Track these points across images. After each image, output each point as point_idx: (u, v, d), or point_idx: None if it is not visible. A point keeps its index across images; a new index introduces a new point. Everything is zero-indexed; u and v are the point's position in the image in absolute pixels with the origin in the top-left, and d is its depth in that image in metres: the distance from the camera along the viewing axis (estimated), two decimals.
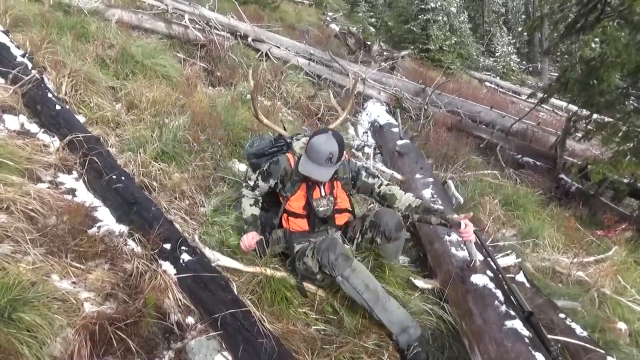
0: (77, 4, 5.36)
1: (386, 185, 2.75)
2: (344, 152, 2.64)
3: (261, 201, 2.94)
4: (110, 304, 2.20)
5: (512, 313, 2.28)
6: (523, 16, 31.78)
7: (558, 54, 20.16)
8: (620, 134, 4.96)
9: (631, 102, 5.82)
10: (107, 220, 2.76)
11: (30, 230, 2.37)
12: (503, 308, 2.31)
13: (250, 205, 2.87)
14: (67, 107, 3.64)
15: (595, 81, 5.04)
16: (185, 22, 6.39)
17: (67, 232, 2.50)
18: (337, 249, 2.44)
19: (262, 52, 7.01)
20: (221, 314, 2.18)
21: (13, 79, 3.62)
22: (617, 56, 4.40)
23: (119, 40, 4.96)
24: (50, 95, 3.59)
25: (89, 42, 4.79)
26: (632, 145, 4.87)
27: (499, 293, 2.41)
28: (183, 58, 5.80)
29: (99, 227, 2.66)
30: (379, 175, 2.84)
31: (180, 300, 2.32)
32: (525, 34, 26.68)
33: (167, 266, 2.43)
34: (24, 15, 4.69)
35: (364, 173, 2.79)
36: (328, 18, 17.22)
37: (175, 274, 2.39)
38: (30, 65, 3.82)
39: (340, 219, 2.87)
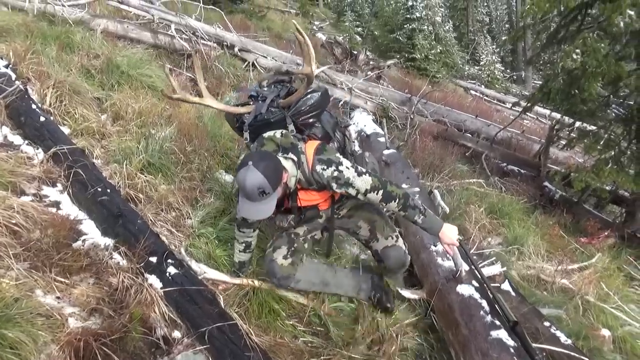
0: (62, 14, 5.33)
1: (364, 195, 2.35)
2: (282, 173, 2.21)
3: (253, 243, 2.78)
4: (95, 319, 2.18)
5: (498, 323, 2.30)
6: (507, 25, 32.34)
7: (541, 62, 20.48)
8: (602, 142, 5.06)
9: (613, 109, 5.94)
10: (92, 233, 2.73)
11: (13, 245, 2.34)
12: (488, 318, 2.33)
13: (240, 252, 2.74)
14: (52, 118, 3.61)
15: (576, 91, 5.14)
16: (172, 32, 6.39)
17: (52, 246, 2.47)
18: (275, 273, 2.53)
19: (249, 62, 7.03)
20: (208, 327, 2.17)
21: None
22: (598, 66, 4.49)
23: (104, 50, 4.93)
24: (34, 106, 3.56)
25: (74, 53, 4.76)
26: (613, 153, 4.97)
27: (484, 303, 2.43)
28: (169, 68, 5.78)
29: (83, 241, 2.64)
30: (363, 173, 2.34)
31: (167, 314, 2.30)
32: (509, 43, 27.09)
33: (153, 280, 2.42)
34: (7, 25, 4.65)
35: (334, 185, 2.31)
36: (315, 27, 17.33)
37: (161, 288, 2.38)
38: (13, 76, 3.79)
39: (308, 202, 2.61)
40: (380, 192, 2.33)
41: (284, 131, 2.46)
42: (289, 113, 2.53)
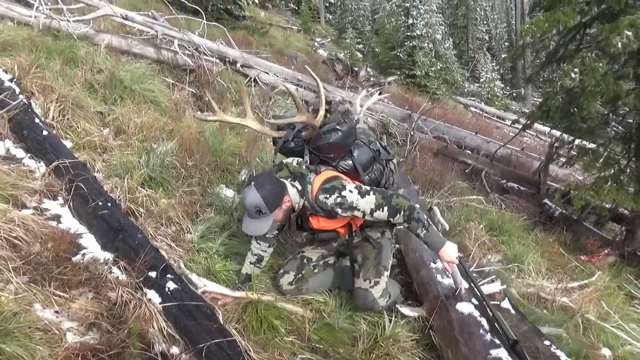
0: (67, 28, 5.39)
1: (371, 215, 2.45)
2: (283, 197, 2.44)
3: (265, 259, 2.93)
4: (93, 334, 2.17)
5: (497, 341, 2.29)
6: (506, 43, 32.66)
7: (540, 80, 20.64)
8: (601, 160, 5.09)
9: (612, 127, 5.98)
10: (92, 247, 2.73)
11: (13, 258, 2.34)
12: (488, 336, 2.32)
13: (250, 263, 2.89)
14: (54, 132, 3.63)
15: (576, 109, 5.19)
16: (175, 47, 6.45)
17: (51, 260, 2.46)
18: (283, 292, 2.87)
19: (251, 78, 7.10)
20: (206, 343, 2.16)
21: (0, 103, 3.61)
22: (596, 85, 4.54)
23: (108, 65, 4.98)
24: (37, 120, 3.58)
25: (77, 67, 4.81)
26: (612, 171, 5.00)
27: (484, 321, 2.43)
28: (172, 83, 5.84)
29: (83, 255, 2.63)
30: (366, 193, 2.43)
31: (165, 330, 2.28)
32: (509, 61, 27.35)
33: (152, 295, 2.41)
34: (12, 39, 4.69)
35: (339, 210, 2.43)
36: (316, 44, 17.50)
37: (160, 303, 2.37)
38: (17, 90, 3.82)
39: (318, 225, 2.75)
40: (386, 208, 2.41)
41: (300, 160, 2.64)
42: (309, 146, 2.73)
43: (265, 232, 2.51)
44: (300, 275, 2.89)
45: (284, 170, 2.61)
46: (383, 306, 2.79)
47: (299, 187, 2.52)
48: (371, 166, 2.83)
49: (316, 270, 2.96)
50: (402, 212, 2.41)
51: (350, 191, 2.41)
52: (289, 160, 2.63)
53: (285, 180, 2.53)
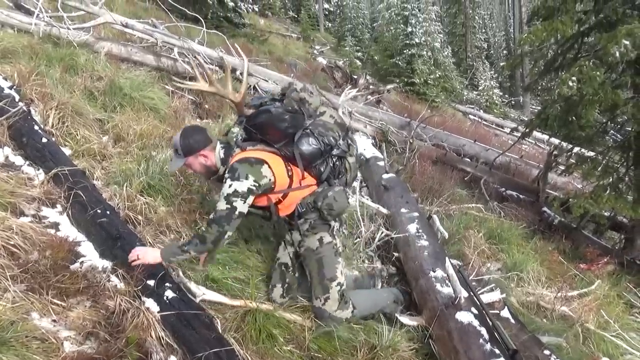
0: (67, 36, 5.40)
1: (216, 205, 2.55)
2: (201, 148, 2.60)
3: None
4: (91, 343, 2.16)
5: (497, 351, 2.28)
6: (505, 51, 32.86)
7: (539, 89, 20.74)
8: (600, 168, 5.10)
9: (610, 136, 6.01)
10: (90, 255, 2.71)
11: (11, 267, 2.32)
12: (488, 346, 2.31)
13: None
14: (54, 139, 3.63)
15: (574, 117, 5.21)
16: (175, 55, 6.47)
17: (49, 268, 2.45)
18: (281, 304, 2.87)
19: (251, 86, 7.11)
20: (204, 353, 2.14)
21: None
22: (594, 94, 4.56)
23: (107, 72, 4.99)
24: (36, 127, 3.58)
25: (77, 75, 4.82)
26: (611, 179, 5.01)
27: (483, 331, 2.42)
28: (171, 90, 5.85)
29: (81, 263, 2.62)
30: (230, 203, 2.44)
31: (163, 339, 2.27)
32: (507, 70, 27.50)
33: (150, 303, 2.39)
34: (12, 47, 4.70)
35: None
36: (315, 51, 17.57)
37: (158, 312, 2.35)
38: (17, 98, 3.82)
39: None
40: (215, 225, 2.44)
41: (237, 131, 2.71)
42: (247, 123, 2.73)
43: (173, 170, 2.83)
44: (286, 285, 2.87)
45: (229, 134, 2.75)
46: (347, 317, 2.76)
47: (222, 155, 2.65)
48: (318, 159, 2.72)
49: (297, 274, 2.92)
50: (207, 234, 2.44)
51: (235, 189, 2.42)
52: (234, 129, 2.72)
53: (217, 141, 2.70)
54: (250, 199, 2.48)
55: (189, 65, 6.34)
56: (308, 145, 2.67)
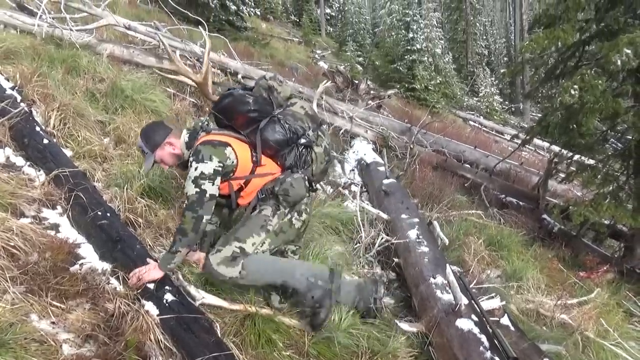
0: (70, 37, 5.41)
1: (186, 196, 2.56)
2: (162, 140, 2.64)
3: (208, 236, 3.02)
4: (90, 346, 2.15)
5: (497, 359, 2.28)
6: (505, 58, 32.93)
7: (539, 96, 20.81)
8: (600, 176, 5.10)
9: (611, 144, 6.01)
10: (90, 257, 2.70)
11: (10, 268, 2.32)
12: (488, 354, 2.31)
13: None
14: (55, 140, 3.63)
15: (574, 125, 5.22)
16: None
17: (49, 270, 2.44)
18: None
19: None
20: (203, 357, 2.13)
21: (1, 111, 3.59)
22: (595, 102, 4.57)
23: (109, 74, 5.00)
24: (38, 128, 3.58)
25: (79, 76, 4.82)
26: (611, 188, 5.01)
27: (483, 338, 2.41)
28: (173, 93, 5.85)
29: (81, 265, 2.61)
30: (199, 186, 2.45)
31: (162, 343, 2.26)
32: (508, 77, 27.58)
33: (149, 306, 2.38)
34: (15, 47, 4.71)
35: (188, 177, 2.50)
36: (317, 56, 17.61)
37: (157, 315, 2.35)
38: (19, 98, 3.82)
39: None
40: (189, 211, 2.43)
41: (204, 119, 2.79)
42: (213, 108, 2.80)
43: (148, 169, 2.76)
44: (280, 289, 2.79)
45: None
46: (232, 276, 2.54)
47: (187, 140, 2.67)
48: (284, 147, 2.71)
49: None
50: (184, 225, 2.44)
51: (202, 172, 2.43)
52: (202, 117, 2.81)
53: (183, 130, 2.73)
54: (218, 180, 2.49)
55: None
56: (273, 132, 2.68)
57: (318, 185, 3.00)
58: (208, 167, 2.44)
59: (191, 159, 2.50)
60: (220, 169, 2.47)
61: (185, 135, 2.70)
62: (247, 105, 2.66)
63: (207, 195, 2.43)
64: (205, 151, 2.47)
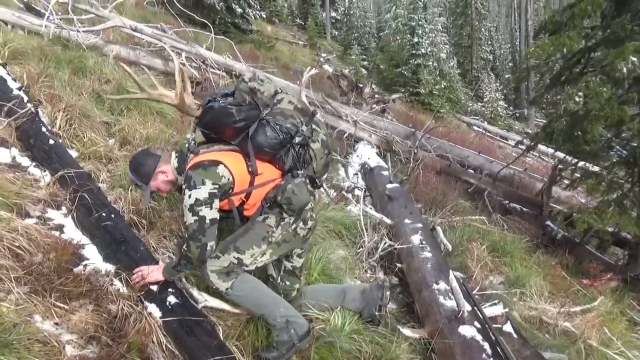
0: (77, 38, 5.44)
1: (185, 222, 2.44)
2: (153, 169, 2.51)
3: None
4: (92, 347, 2.15)
5: None
6: (510, 64, 32.91)
7: (544, 102, 20.77)
8: (605, 183, 5.08)
9: (615, 151, 5.99)
10: (93, 258, 2.72)
11: (15, 268, 2.33)
12: None
13: None
14: (61, 141, 3.64)
15: (579, 132, 5.21)
16: (182, 60, 6.51)
17: (53, 271, 2.45)
18: None
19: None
20: None
21: (8, 111, 3.62)
22: (600, 109, 4.56)
23: (115, 75, 5.02)
24: (44, 129, 3.60)
25: (85, 77, 4.84)
26: (615, 195, 4.99)
27: (486, 345, 2.41)
28: None
29: (85, 266, 2.62)
30: (196, 214, 2.34)
31: (165, 345, 2.27)
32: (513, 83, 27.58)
33: (152, 308, 2.39)
34: (22, 48, 4.74)
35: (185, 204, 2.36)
36: (322, 59, 17.63)
37: (160, 317, 2.35)
38: (26, 99, 3.84)
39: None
40: (192, 241, 2.34)
41: (192, 136, 2.61)
42: (197, 124, 2.62)
43: (147, 202, 2.76)
44: (281, 295, 2.73)
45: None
46: (218, 288, 2.48)
47: (177, 165, 2.54)
48: (279, 150, 2.54)
49: (287, 282, 2.80)
50: (189, 254, 2.37)
51: (190, 196, 2.31)
52: (187, 135, 2.61)
53: (172, 153, 2.59)
54: (216, 203, 2.36)
55: (195, 70, 6.39)
56: (265, 137, 2.49)
57: (322, 184, 2.86)
58: (202, 192, 2.30)
59: (184, 186, 2.36)
60: (216, 191, 2.34)
61: (174, 161, 2.55)
62: (231, 117, 2.45)
63: (207, 221, 2.32)
64: (196, 176, 2.33)
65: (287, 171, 2.58)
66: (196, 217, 2.30)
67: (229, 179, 2.39)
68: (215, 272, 2.45)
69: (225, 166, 2.39)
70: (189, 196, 2.30)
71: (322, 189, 3.03)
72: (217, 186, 2.34)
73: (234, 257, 2.48)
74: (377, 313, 2.82)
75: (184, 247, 2.38)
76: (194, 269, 2.49)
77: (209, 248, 2.36)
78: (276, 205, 2.53)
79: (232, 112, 2.45)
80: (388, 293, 2.91)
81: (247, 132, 2.49)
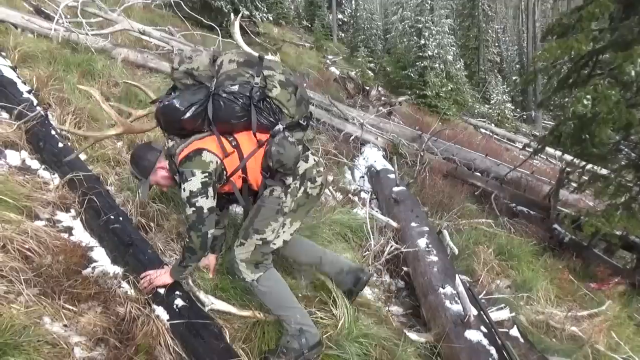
0: (85, 42, 5.50)
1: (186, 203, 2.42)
2: (153, 164, 2.52)
3: (219, 241, 2.99)
4: (101, 349, 2.17)
5: None
6: (517, 66, 32.78)
7: (552, 105, 20.69)
8: (613, 187, 5.05)
9: (624, 155, 5.95)
10: (102, 260, 2.74)
11: (25, 270, 2.36)
12: None
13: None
14: (70, 144, 3.68)
15: (587, 135, 5.17)
16: None
17: (62, 273, 2.48)
18: None
19: None
20: None
21: (18, 114, 3.67)
22: (609, 113, 4.53)
23: (124, 78, 5.06)
24: (53, 132, 3.64)
25: (94, 80, 4.89)
26: (623, 199, 4.96)
27: (493, 350, 2.40)
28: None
29: (93, 268, 2.65)
30: (193, 205, 2.34)
31: (172, 347, 2.28)
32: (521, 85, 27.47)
33: (160, 311, 2.41)
34: (32, 51, 4.80)
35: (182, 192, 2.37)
36: (328, 61, 17.64)
37: (168, 320, 2.37)
38: (35, 102, 3.88)
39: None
40: (193, 231, 2.36)
41: (170, 143, 2.54)
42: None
43: (145, 196, 2.71)
44: None
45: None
46: (245, 279, 2.52)
47: (168, 167, 2.53)
48: (245, 115, 2.40)
49: None
50: (191, 244, 2.39)
51: (184, 189, 2.32)
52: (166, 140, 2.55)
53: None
54: (211, 191, 2.35)
55: None
56: (222, 110, 2.38)
57: (309, 123, 2.65)
58: (194, 183, 2.30)
59: (179, 182, 2.41)
60: (207, 179, 2.32)
61: (165, 163, 2.55)
62: (177, 111, 2.37)
63: (205, 210, 2.33)
64: (185, 170, 2.33)
65: (265, 131, 2.45)
66: (194, 208, 2.33)
67: (217, 162, 2.36)
68: (245, 261, 2.51)
69: (208, 151, 2.36)
70: (184, 189, 2.32)
71: (312, 125, 2.87)
72: (207, 173, 2.33)
73: (257, 238, 2.51)
74: (362, 276, 2.89)
75: (185, 239, 2.42)
76: (198, 260, 2.50)
77: (209, 236, 2.40)
78: (275, 172, 2.47)
79: (176, 106, 2.38)
80: (365, 278, 2.90)
81: (205, 114, 2.40)
